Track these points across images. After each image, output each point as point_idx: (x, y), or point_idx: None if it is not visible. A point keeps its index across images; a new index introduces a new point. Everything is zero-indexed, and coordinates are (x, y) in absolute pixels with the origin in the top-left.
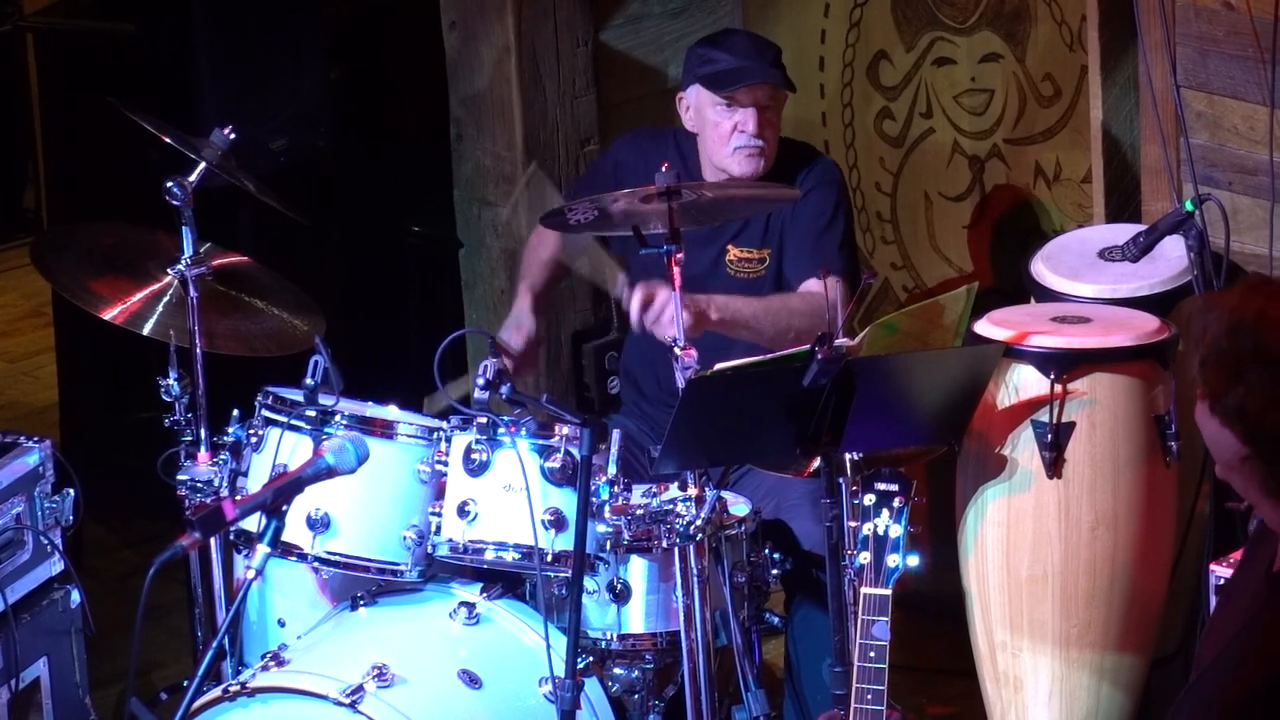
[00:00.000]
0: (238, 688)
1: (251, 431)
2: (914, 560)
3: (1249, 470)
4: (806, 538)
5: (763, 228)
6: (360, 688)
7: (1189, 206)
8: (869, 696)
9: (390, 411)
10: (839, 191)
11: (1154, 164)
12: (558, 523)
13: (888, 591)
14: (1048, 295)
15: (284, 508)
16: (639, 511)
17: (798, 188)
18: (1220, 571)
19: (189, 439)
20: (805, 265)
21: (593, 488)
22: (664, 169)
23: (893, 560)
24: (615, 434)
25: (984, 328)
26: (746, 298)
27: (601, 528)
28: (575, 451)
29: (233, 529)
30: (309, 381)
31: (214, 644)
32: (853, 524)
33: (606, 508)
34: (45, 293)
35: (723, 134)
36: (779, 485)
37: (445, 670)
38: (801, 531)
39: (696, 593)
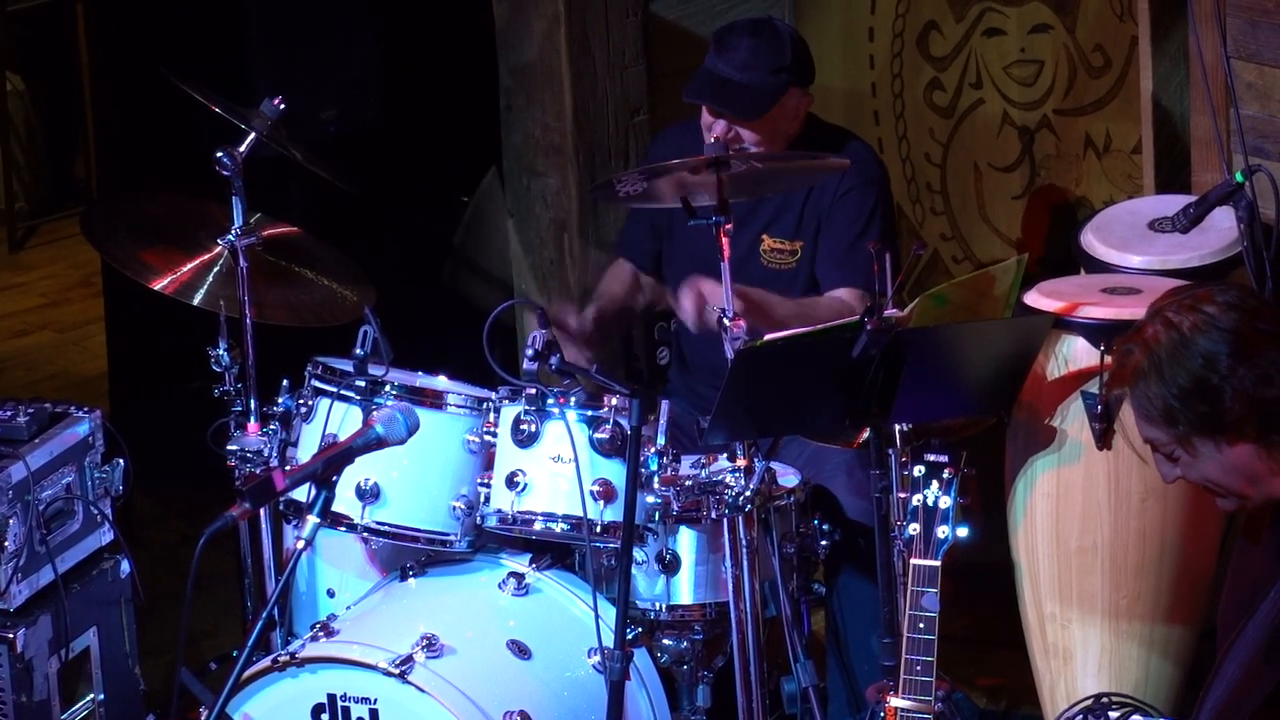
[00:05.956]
0: (287, 658)
1: (301, 402)
2: (963, 531)
3: (1273, 457)
4: (848, 507)
5: (796, 219)
6: (410, 658)
7: (1239, 177)
8: (918, 668)
9: (440, 382)
10: (877, 193)
11: (1204, 135)
12: (606, 494)
13: (937, 563)
14: (1098, 266)
15: (334, 478)
16: (688, 482)
17: (836, 182)
18: None
19: (239, 409)
20: (834, 272)
21: (641, 459)
22: (713, 139)
23: (942, 531)
24: (664, 405)
25: (1034, 299)
26: (783, 298)
27: (650, 499)
28: (624, 423)
29: (282, 499)
30: (358, 352)
31: (263, 614)
32: (902, 495)
33: (655, 479)
34: (95, 263)
35: (704, 125)
36: (818, 454)
37: (494, 641)
38: (843, 500)
39: (745, 563)
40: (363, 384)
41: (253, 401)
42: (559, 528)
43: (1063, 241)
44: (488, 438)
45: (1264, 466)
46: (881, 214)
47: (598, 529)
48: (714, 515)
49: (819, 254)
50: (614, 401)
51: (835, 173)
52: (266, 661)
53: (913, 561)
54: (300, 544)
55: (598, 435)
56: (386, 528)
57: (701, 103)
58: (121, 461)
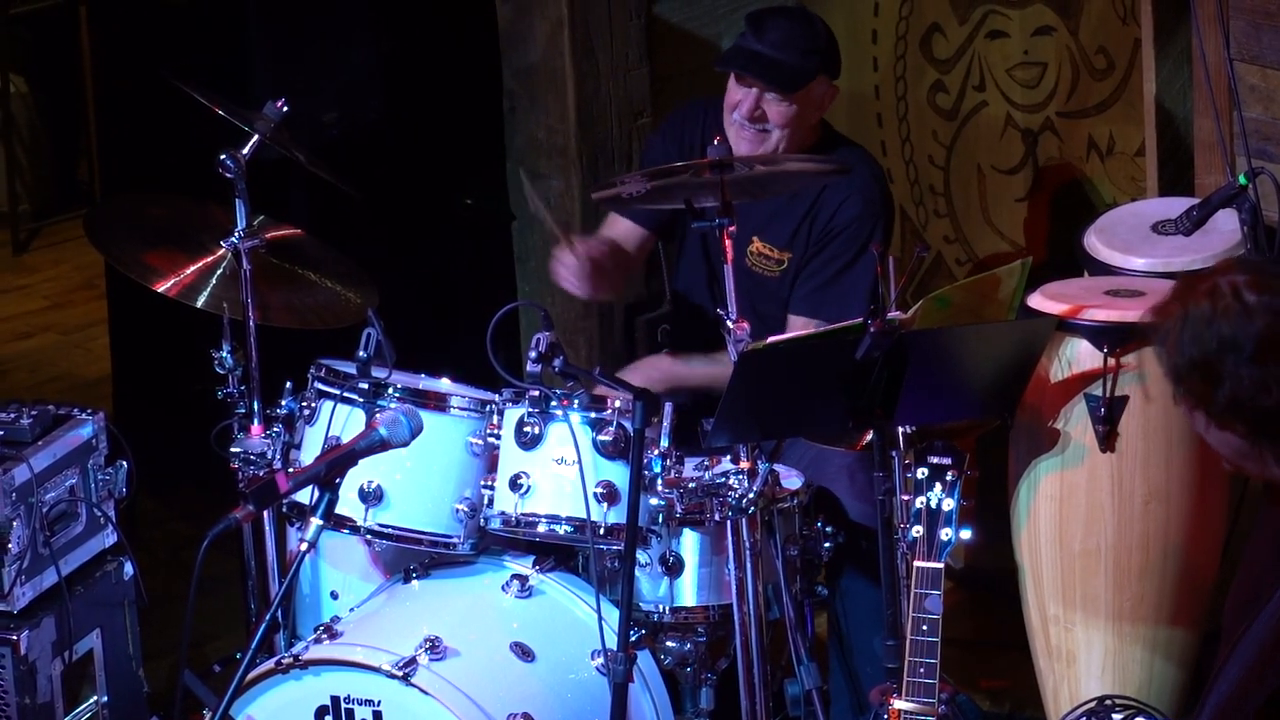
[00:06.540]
0: (290, 660)
1: (304, 404)
2: (966, 534)
3: (1259, 453)
4: (850, 509)
5: (791, 228)
6: (413, 660)
7: (1242, 180)
8: (921, 670)
9: (443, 384)
10: (871, 229)
11: (1207, 137)
12: (610, 496)
13: (940, 565)
14: (1101, 269)
15: (337, 480)
16: (691, 484)
17: (836, 207)
18: None
19: (242, 411)
20: (803, 301)
21: (645, 461)
22: (715, 142)
23: (945, 534)
24: (667, 407)
25: (1038, 301)
26: (709, 364)
27: (654, 501)
28: (627, 425)
29: (285, 501)
30: (362, 354)
31: (267, 616)
32: (905, 497)
33: (659, 481)
34: (98, 265)
35: (728, 105)
36: (820, 456)
37: (498, 643)
38: (845, 503)
39: (749, 566)
40: (366, 386)
41: (256, 404)
42: (562, 530)
43: (1066, 244)
44: (491, 440)
45: (1252, 459)
46: (870, 256)
47: (601, 531)
48: (717, 517)
49: (800, 275)
50: (617, 403)
51: (839, 191)
52: (270, 664)
53: (916, 564)
54: (303, 546)
55: (601, 437)
56: (389, 530)
57: (735, 70)
58: (125, 464)
